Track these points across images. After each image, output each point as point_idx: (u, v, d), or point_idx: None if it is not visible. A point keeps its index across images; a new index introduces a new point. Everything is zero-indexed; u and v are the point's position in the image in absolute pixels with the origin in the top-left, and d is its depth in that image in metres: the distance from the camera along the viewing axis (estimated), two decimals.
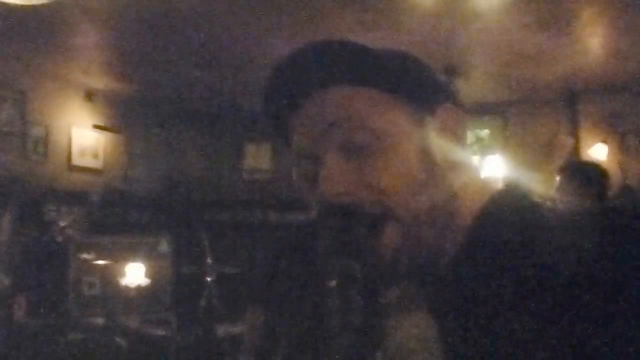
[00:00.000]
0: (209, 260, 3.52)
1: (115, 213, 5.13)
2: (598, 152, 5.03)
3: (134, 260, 3.76)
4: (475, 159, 4.39)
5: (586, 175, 2.88)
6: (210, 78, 4.84)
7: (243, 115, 5.95)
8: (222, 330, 3.52)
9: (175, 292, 4.41)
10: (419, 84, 0.72)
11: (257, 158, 6.13)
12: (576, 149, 5.27)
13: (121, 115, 5.39)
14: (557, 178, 2.98)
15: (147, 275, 3.76)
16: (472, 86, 4.78)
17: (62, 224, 2.02)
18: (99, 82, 4.86)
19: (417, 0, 3.12)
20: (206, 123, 6.22)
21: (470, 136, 6.20)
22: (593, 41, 3.85)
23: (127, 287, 3.54)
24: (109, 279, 3.85)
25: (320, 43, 0.69)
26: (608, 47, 4.03)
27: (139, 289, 3.61)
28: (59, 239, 2.00)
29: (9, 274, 3.69)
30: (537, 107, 5.52)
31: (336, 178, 0.65)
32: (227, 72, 4.64)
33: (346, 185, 0.65)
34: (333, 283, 0.54)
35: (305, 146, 0.70)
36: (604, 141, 5.06)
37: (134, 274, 3.65)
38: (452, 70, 4.30)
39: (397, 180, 0.65)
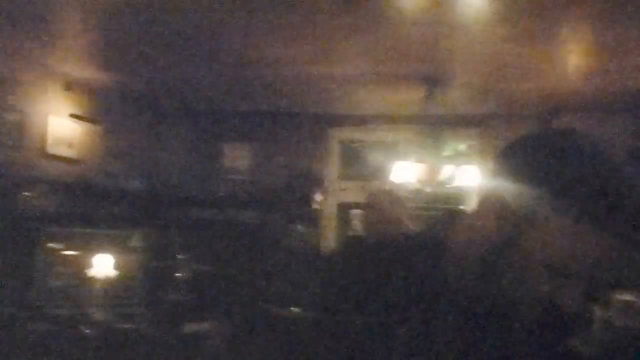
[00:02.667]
0: (179, 257, 3.51)
1: (87, 204, 5.07)
2: None
3: (103, 252, 3.72)
4: (450, 169, 4.42)
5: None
6: (194, 75, 4.81)
7: (224, 115, 5.92)
8: (188, 327, 3.50)
9: (145, 286, 4.36)
10: None
11: (235, 158, 6.10)
12: None
13: (100, 107, 5.33)
14: None
15: (117, 268, 3.72)
16: (452, 98, 4.80)
17: (27, 194, 1.98)
18: (80, 71, 4.81)
19: (401, 7, 3.13)
20: (186, 120, 6.19)
21: (448, 149, 6.23)
22: (572, 57, 3.90)
23: (94, 279, 3.50)
24: (76, 269, 3.80)
25: None
26: (589, 63, 4.08)
27: (107, 280, 3.57)
28: (26, 211, 1.97)
29: None
30: (517, 121, 5.57)
31: None
32: (212, 70, 4.62)
33: None
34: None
35: None
36: None
37: (102, 266, 3.61)
38: (431, 81, 4.33)
39: None
